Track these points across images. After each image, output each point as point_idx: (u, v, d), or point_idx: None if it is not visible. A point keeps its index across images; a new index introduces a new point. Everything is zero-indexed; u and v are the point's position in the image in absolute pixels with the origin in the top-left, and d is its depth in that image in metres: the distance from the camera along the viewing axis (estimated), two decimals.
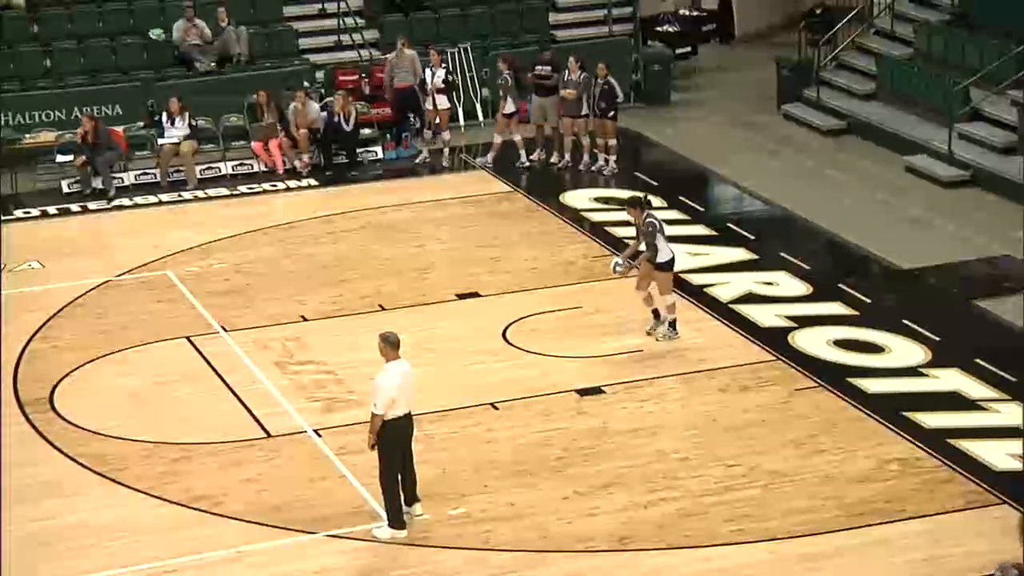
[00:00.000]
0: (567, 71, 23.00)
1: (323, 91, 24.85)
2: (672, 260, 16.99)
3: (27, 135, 23.74)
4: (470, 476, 14.30)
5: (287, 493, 14.19)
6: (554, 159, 23.48)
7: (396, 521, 13.27)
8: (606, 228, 20.61)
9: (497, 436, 15.11)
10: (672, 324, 17.09)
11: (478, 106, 25.78)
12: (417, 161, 23.80)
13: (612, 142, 22.98)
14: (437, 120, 23.70)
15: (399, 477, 13.28)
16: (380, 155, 24.10)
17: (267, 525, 13.72)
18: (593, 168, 23.15)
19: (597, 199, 21.91)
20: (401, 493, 13.31)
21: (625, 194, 21.94)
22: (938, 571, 12.66)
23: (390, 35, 26.51)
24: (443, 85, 23.53)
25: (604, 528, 13.39)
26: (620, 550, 13.07)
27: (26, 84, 24.81)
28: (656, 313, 17.17)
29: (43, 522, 13.93)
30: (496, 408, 15.67)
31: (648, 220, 16.89)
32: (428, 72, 23.57)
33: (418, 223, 21.23)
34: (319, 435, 15.29)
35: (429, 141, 23.84)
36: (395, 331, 13.39)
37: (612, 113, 22.87)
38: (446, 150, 23.89)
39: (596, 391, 16.00)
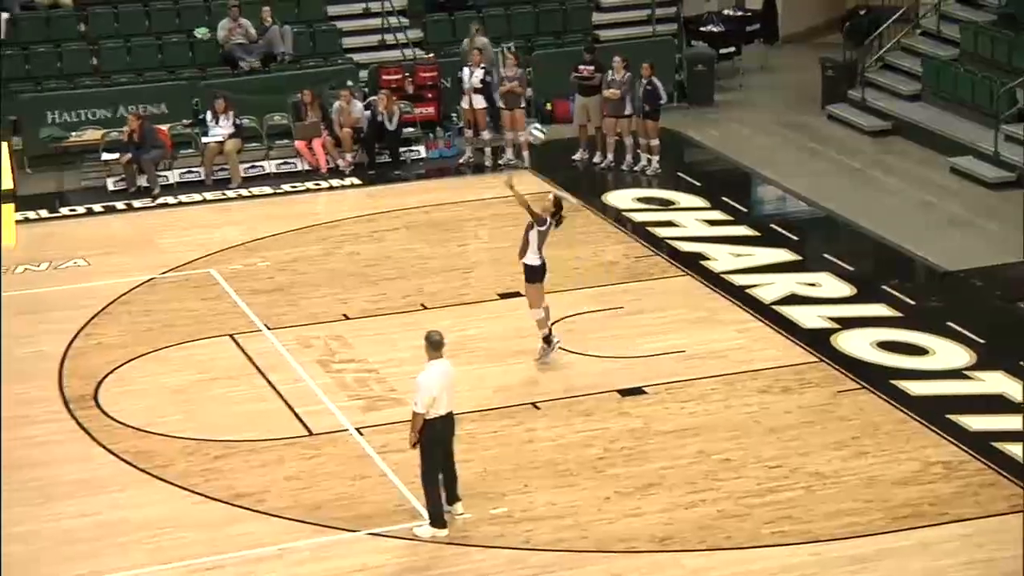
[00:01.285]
0: (611, 71, 22.99)
1: (367, 90, 24.91)
2: (538, 268, 16.48)
3: (73, 133, 23.90)
4: (511, 475, 14.32)
5: (329, 491, 14.32)
6: (597, 159, 23.49)
7: (437, 520, 13.30)
8: (648, 228, 20.55)
9: (538, 436, 15.12)
10: (546, 338, 16.72)
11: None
12: (460, 161, 23.92)
13: (655, 142, 22.94)
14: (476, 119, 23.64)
15: (440, 476, 13.33)
16: (423, 154, 24.16)
17: (309, 523, 13.83)
18: (636, 168, 23.11)
19: (640, 199, 21.86)
20: (442, 492, 13.36)
21: (666, 194, 22.08)
22: (981, 575, 12.63)
23: (434, 34, 26.64)
24: (480, 85, 23.53)
25: (645, 529, 13.38)
26: (661, 551, 13.06)
27: (74, 82, 25.00)
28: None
29: (86, 518, 14.06)
30: (537, 408, 15.68)
31: (547, 218, 16.47)
32: (466, 71, 23.55)
33: (460, 222, 21.28)
34: (360, 433, 15.41)
35: (470, 140, 23.91)
36: (438, 330, 13.45)
37: (655, 113, 22.92)
38: (487, 149, 23.85)
39: (637, 391, 15.98)
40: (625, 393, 15.92)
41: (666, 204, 21.68)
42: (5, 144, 12.74)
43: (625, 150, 23.10)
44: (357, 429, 15.47)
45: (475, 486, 13.93)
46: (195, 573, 13.16)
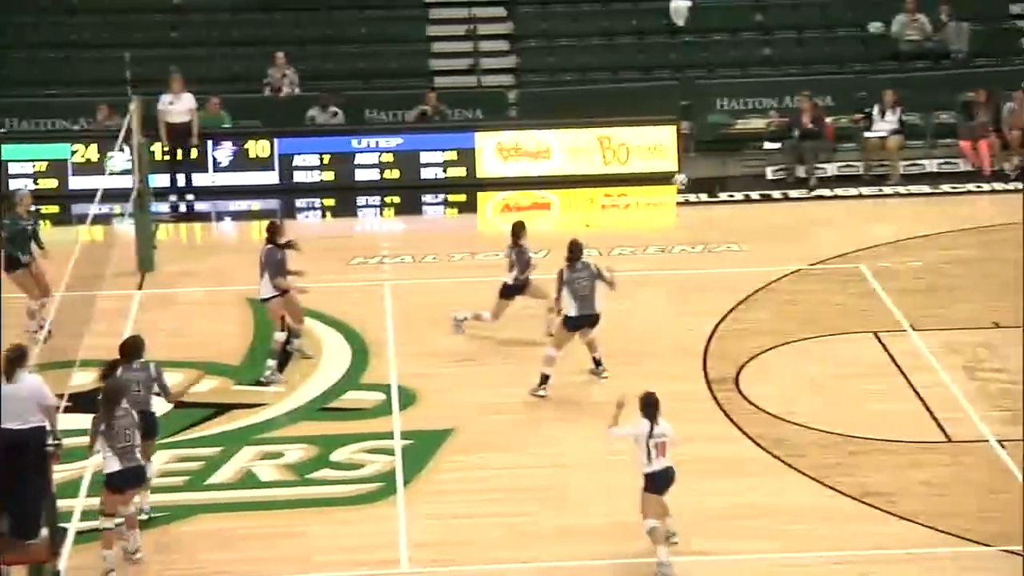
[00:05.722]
0: None
1: None
2: None
3: (739, 121, 25.41)
4: None
5: (964, 502, 14.58)
6: None
7: None
8: None
9: None
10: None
11: None
12: None
13: None
14: None
15: None
16: None
17: (940, 531, 14.07)
18: None
19: None
20: None
21: None
22: None
23: None
24: None
25: None
26: None
27: (746, 70, 26.99)
28: None
29: (719, 497, 14.76)
30: None
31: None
32: None
33: None
34: (1003, 446, 15.58)
35: None
36: None
37: None
38: None
39: None
40: None
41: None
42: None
43: None
44: (999, 441, 15.61)
45: None
46: (823, 565, 13.62)
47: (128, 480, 13.92)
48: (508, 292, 18.68)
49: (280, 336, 18.17)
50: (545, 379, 17.31)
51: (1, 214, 18.52)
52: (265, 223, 18.61)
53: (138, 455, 13.90)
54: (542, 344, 18.27)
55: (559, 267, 17.43)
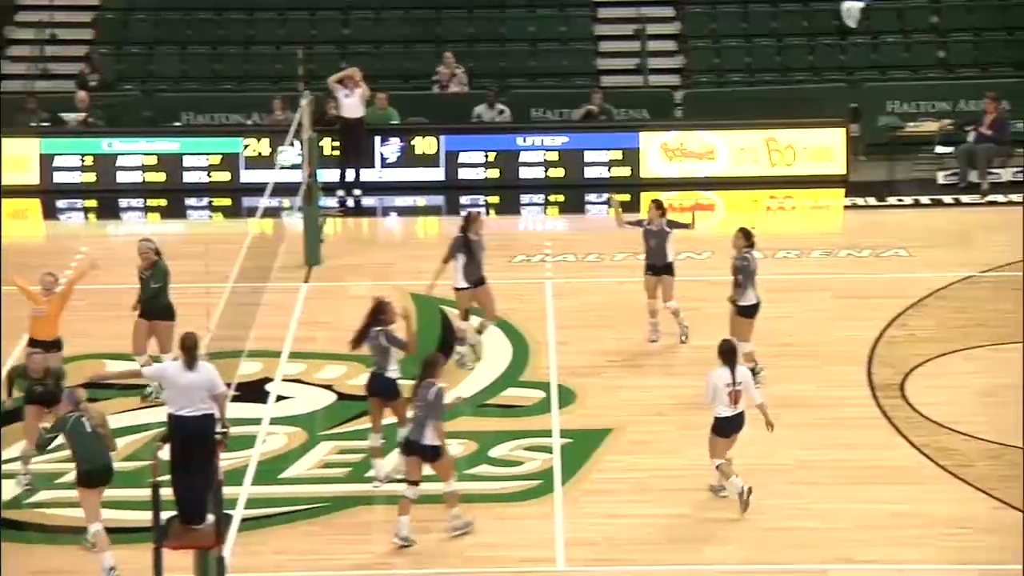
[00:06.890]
0: None
1: None
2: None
3: (910, 124, 25.44)
4: None
5: None
6: None
7: None
8: None
9: None
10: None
11: None
12: None
13: None
14: None
15: None
16: None
17: None
18: None
19: None
20: None
21: None
22: None
23: None
24: None
25: None
26: None
27: (919, 73, 26.97)
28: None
29: (881, 505, 14.73)
30: None
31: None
32: None
33: None
34: None
35: None
36: None
37: None
38: None
39: None
40: None
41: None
42: None
43: None
44: None
45: None
46: None
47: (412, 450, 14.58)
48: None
49: (463, 324, 18.32)
50: (754, 372, 16.62)
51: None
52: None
53: (424, 429, 14.40)
54: (699, 347, 18.05)
55: (735, 257, 17.26)
